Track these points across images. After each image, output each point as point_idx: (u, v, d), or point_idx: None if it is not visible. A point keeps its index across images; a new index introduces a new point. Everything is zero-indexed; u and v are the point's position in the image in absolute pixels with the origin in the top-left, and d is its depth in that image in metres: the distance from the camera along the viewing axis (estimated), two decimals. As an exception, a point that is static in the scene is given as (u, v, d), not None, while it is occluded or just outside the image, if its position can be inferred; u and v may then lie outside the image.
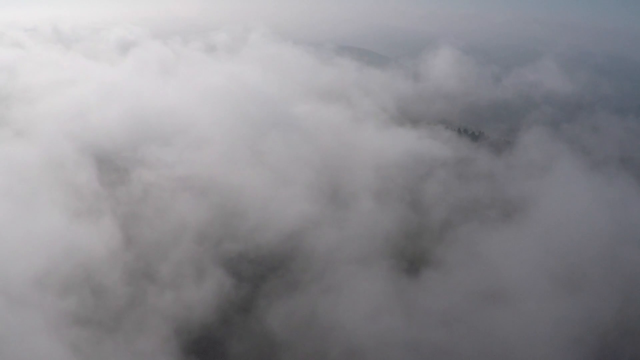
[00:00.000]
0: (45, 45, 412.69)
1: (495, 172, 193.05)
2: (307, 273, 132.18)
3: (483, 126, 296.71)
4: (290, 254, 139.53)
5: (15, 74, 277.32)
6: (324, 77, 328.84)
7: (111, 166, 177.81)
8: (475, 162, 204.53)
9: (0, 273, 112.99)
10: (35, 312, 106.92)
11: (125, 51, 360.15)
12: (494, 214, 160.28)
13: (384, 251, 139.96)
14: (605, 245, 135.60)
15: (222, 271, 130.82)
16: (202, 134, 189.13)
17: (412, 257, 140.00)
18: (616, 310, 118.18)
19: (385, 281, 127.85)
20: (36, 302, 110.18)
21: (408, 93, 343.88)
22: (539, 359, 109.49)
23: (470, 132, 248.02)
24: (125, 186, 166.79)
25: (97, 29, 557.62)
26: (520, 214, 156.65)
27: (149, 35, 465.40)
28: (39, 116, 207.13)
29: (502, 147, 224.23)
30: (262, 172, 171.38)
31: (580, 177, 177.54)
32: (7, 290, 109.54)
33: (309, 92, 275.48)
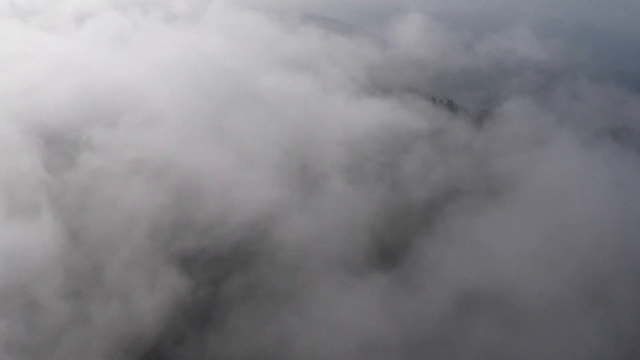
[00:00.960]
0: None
1: (477, 145, 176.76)
2: (276, 271, 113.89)
3: (456, 95, 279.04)
4: (255, 249, 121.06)
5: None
6: (288, 46, 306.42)
7: (56, 149, 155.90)
8: (455, 134, 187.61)
9: None
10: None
11: (81, 23, 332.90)
12: (482, 193, 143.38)
13: (361, 242, 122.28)
14: (612, 228, 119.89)
15: (178, 272, 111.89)
16: (156, 111, 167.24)
17: (393, 249, 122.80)
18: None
19: (365, 279, 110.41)
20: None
21: (377, 61, 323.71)
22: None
23: (446, 102, 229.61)
24: (71, 173, 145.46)
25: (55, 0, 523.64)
26: (512, 194, 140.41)
27: (108, 5, 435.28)
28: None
29: (481, 118, 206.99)
30: (223, 153, 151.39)
31: (573, 151, 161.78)
32: None
33: (273, 62, 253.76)
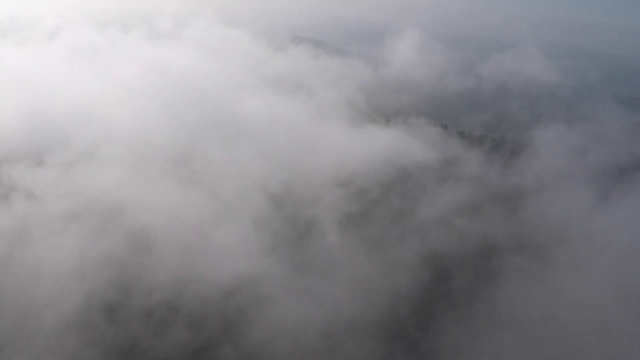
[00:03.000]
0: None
1: (504, 182, 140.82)
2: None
3: (458, 118, 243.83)
4: (224, 336, 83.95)
5: None
6: (276, 66, 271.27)
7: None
8: (474, 169, 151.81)
9: None
10: None
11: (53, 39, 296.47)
12: (523, 250, 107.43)
13: (369, 332, 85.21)
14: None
15: None
16: (110, 140, 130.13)
17: (411, 337, 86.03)
18: None
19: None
20: None
21: (372, 83, 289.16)
22: None
23: (457, 130, 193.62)
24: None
25: (36, 18, 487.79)
26: (562, 249, 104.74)
27: (88, 22, 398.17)
28: None
29: (498, 148, 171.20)
30: (193, 197, 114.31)
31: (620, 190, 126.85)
32: None
33: (259, 83, 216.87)
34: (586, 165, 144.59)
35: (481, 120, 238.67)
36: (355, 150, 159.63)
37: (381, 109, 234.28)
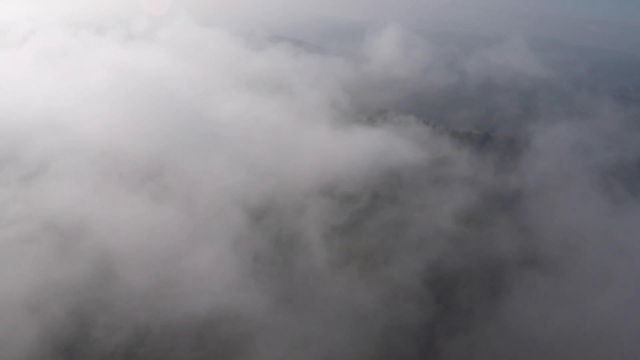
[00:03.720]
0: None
1: (501, 184, 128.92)
2: None
3: (442, 115, 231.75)
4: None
5: None
6: (255, 65, 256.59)
7: None
8: (467, 170, 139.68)
9: None
10: None
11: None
12: (532, 263, 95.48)
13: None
14: None
15: None
16: (74, 150, 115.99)
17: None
18: None
19: None
20: None
21: (353, 81, 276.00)
22: None
23: (447, 129, 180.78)
24: None
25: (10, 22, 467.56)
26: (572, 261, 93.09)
27: (62, 25, 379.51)
28: None
29: (490, 147, 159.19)
30: (163, 214, 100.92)
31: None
32: None
33: (237, 85, 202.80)
34: (591, 163, 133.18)
35: (468, 116, 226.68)
36: (340, 153, 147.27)
37: (365, 107, 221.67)
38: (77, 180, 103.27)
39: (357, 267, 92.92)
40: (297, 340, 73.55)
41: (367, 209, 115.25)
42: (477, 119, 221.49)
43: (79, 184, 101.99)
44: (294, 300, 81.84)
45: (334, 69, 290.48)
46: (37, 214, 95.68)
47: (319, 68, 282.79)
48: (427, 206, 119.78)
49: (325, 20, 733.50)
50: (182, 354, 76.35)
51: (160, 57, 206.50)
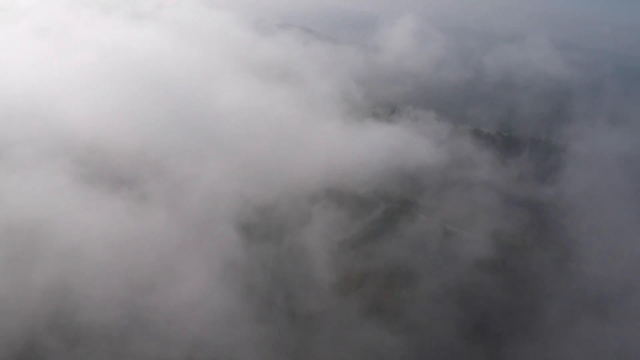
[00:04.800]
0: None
1: (533, 194, 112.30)
2: None
3: (461, 114, 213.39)
4: None
5: None
6: (263, 52, 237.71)
7: None
8: (492, 174, 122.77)
9: None
10: None
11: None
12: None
13: None
14: None
15: None
16: (46, 140, 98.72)
17: None
18: None
19: None
20: None
21: (365, 73, 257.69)
22: None
23: (470, 128, 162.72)
24: None
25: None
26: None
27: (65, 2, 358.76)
28: None
29: (529, 151, 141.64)
30: (145, 222, 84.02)
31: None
32: None
33: (243, 71, 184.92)
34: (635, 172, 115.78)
35: (486, 114, 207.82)
36: (352, 152, 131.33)
37: (378, 101, 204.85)
38: (43, 174, 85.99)
39: (372, 297, 76.33)
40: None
41: (383, 219, 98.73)
42: (495, 118, 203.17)
43: (45, 179, 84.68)
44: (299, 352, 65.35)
45: (345, 59, 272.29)
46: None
47: (329, 57, 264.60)
48: (451, 215, 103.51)
49: (336, 10, 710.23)
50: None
51: (160, 39, 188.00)
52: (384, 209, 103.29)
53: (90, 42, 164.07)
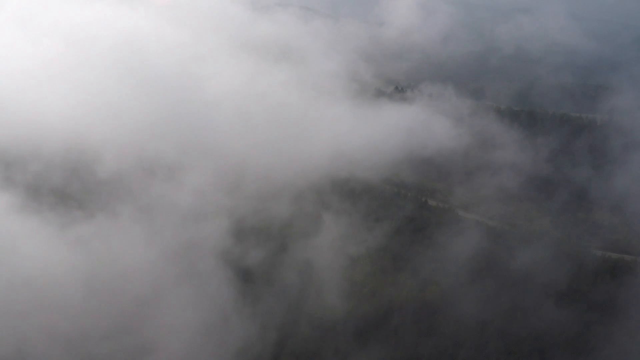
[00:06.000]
0: None
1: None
2: None
3: (477, 90, 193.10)
4: None
5: None
6: (261, 30, 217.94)
7: None
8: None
9: None
10: None
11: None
12: None
13: None
14: None
15: None
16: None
17: None
18: None
19: None
20: None
21: (371, 49, 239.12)
22: None
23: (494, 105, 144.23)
24: None
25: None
26: None
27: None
28: None
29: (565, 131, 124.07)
30: (118, 244, 67.79)
31: None
32: None
33: (239, 52, 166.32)
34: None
35: (505, 90, 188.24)
36: (361, 136, 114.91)
37: (385, 78, 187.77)
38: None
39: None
40: None
41: (403, 231, 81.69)
42: (513, 93, 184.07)
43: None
44: None
45: (348, 34, 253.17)
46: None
47: (332, 34, 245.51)
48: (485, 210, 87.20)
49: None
50: None
51: (146, 22, 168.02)
52: (398, 203, 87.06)
53: (62, 28, 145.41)
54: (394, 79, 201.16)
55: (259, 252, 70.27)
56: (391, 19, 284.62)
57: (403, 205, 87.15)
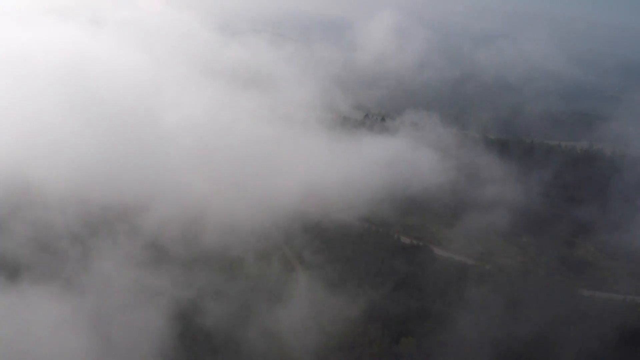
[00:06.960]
0: None
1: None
2: None
3: (456, 118, 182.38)
4: None
5: None
6: (230, 55, 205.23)
7: None
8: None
9: None
10: None
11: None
12: None
13: None
14: None
15: None
16: None
17: None
18: None
19: None
20: None
21: (344, 77, 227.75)
22: None
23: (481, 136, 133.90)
24: None
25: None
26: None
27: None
28: None
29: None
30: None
31: None
32: None
33: (206, 78, 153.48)
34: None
35: (483, 118, 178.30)
36: (337, 170, 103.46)
37: (359, 106, 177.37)
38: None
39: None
40: None
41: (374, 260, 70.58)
42: (496, 122, 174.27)
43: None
44: None
45: (321, 61, 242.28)
46: None
47: (304, 60, 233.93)
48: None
49: (306, 15, 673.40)
50: None
51: (92, 37, 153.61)
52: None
53: (34, 55, 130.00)
54: (368, 107, 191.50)
55: (217, 311, 58.37)
56: (365, 44, 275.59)
57: (379, 248, 76.77)
